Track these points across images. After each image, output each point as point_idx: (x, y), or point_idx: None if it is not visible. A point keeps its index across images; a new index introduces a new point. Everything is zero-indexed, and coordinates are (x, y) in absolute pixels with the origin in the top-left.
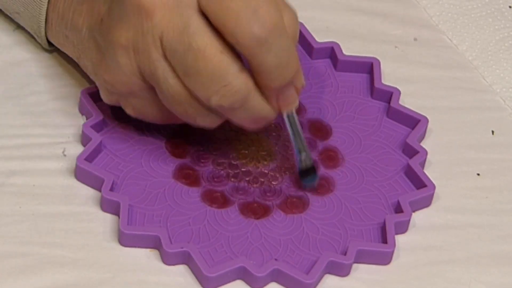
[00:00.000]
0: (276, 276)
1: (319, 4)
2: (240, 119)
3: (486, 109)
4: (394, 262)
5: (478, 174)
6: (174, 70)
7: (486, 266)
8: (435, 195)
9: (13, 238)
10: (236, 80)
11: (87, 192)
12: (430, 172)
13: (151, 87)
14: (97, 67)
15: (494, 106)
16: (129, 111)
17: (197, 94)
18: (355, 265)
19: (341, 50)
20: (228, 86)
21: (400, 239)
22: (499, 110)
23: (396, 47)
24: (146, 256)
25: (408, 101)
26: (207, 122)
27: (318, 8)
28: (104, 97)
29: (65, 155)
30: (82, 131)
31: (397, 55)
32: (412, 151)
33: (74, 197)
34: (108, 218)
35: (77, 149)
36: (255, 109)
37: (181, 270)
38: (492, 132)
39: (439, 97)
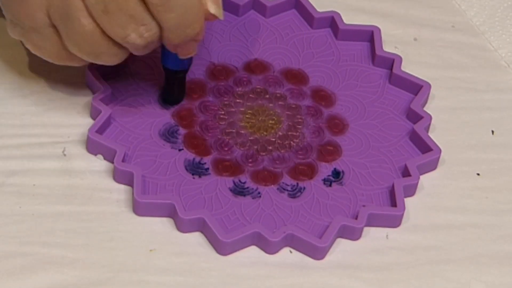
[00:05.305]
0: (289, 241)
1: (319, 4)
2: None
3: (486, 109)
4: (394, 262)
5: (478, 174)
6: (88, 8)
7: (486, 266)
8: (435, 194)
9: (13, 238)
10: (153, 21)
11: (87, 192)
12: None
13: (53, 26)
14: None
15: (494, 106)
16: (29, 47)
17: (112, 32)
18: (354, 264)
19: (342, 19)
20: (147, 25)
21: (408, 201)
22: (499, 110)
23: (396, 47)
24: (146, 256)
25: None
26: (112, 60)
27: (318, 8)
28: (9, 29)
29: (65, 155)
30: (92, 104)
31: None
32: (416, 117)
33: (74, 197)
34: (108, 218)
35: (77, 148)
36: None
37: (183, 268)
38: (492, 132)
39: (439, 97)
